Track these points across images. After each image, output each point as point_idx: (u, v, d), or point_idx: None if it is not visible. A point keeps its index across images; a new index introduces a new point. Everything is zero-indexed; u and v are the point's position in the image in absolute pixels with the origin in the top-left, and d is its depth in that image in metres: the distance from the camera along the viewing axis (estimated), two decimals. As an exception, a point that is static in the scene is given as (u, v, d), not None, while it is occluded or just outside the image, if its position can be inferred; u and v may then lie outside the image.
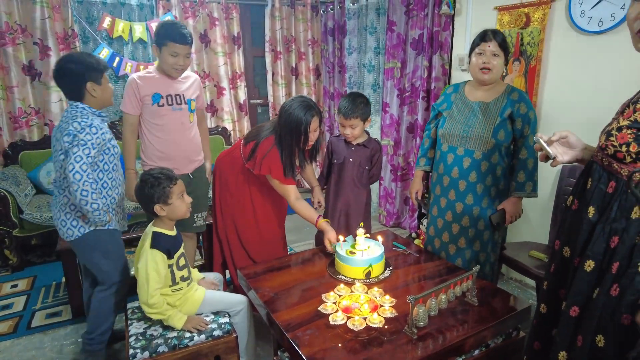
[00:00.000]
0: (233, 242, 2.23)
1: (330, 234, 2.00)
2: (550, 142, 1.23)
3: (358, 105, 2.21)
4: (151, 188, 1.65)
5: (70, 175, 1.67)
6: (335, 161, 2.40)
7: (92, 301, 1.96)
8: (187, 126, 2.31)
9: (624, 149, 1.00)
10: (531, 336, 1.30)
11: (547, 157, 1.23)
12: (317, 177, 2.51)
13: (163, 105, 2.21)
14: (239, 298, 1.88)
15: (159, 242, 1.67)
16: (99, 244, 1.87)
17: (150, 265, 1.62)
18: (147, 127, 2.23)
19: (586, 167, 1.14)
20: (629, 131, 0.99)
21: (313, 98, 4.64)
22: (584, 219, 1.09)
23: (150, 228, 1.72)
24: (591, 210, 1.08)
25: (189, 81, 2.32)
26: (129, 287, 2.03)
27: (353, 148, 2.34)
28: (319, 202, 2.41)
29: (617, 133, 1.02)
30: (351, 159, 2.34)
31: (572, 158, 1.21)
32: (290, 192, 2.07)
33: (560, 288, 1.17)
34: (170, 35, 2.09)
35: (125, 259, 2.02)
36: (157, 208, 1.67)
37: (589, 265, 1.06)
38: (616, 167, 1.02)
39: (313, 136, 2.03)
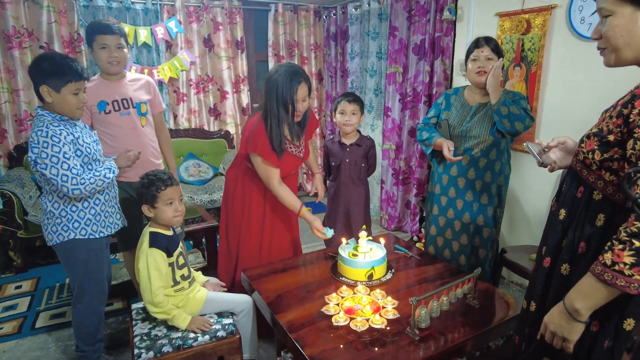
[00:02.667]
0: (242, 249, 2.17)
1: (315, 222, 1.96)
2: (549, 148, 1.26)
3: (357, 96, 2.39)
4: (142, 187, 1.71)
5: (49, 176, 1.67)
6: (332, 163, 2.47)
7: (72, 315, 1.94)
8: (139, 131, 2.21)
9: (590, 156, 1.01)
10: (515, 330, 1.34)
11: (542, 163, 1.26)
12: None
13: (110, 112, 2.12)
14: (242, 298, 1.90)
15: (156, 241, 1.70)
16: (75, 253, 1.83)
17: (150, 265, 1.65)
18: (99, 136, 2.10)
19: (568, 170, 1.16)
20: (595, 139, 1.01)
21: (315, 102, 4.68)
22: (556, 220, 1.12)
23: (147, 229, 1.75)
24: (562, 213, 1.11)
25: (137, 84, 2.23)
26: (107, 298, 2.00)
27: (348, 149, 2.42)
28: (316, 190, 2.34)
29: (586, 140, 1.04)
30: (347, 160, 2.43)
31: (570, 163, 1.23)
32: (274, 175, 1.95)
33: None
34: (94, 29, 2.04)
35: (105, 270, 1.96)
36: (144, 208, 1.72)
37: (565, 269, 1.08)
38: (585, 173, 1.04)
39: (301, 106, 1.92)
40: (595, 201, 1.02)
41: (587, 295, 0.96)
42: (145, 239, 1.70)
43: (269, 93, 1.88)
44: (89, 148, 1.80)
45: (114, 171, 1.84)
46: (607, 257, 0.91)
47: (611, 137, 0.97)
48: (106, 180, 1.79)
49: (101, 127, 2.15)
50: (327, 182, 2.61)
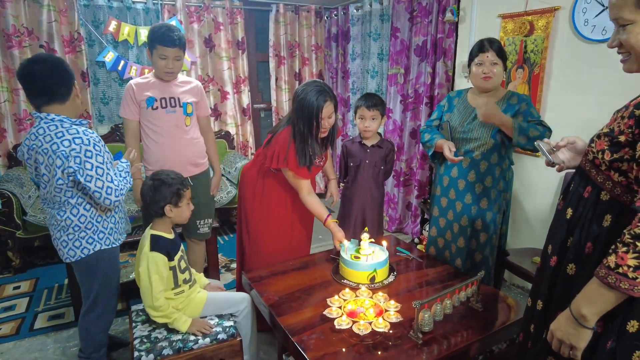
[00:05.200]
0: (256, 252, 2.19)
1: (339, 234, 1.99)
2: (558, 148, 1.25)
3: (378, 99, 2.33)
4: (167, 187, 1.68)
5: (94, 189, 1.62)
6: (351, 164, 2.46)
7: (81, 324, 1.88)
8: (183, 129, 2.27)
9: (600, 155, 1.01)
10: (520, 327, 1.32)
11: (553, 163, 1.25)
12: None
13: (157, 108, 2.20)
14: (241, 296, 1.90)
15: (158, 244, 1.68)
16: (99, 264, 1.80)
17: (151, 268, 1.63)
18: (145, 131, 2.24)
19: (576, 169, 1.16)
20: (606, 139, 1.01)
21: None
22: (562, 219, 1.12)
23: (148, 231, 1.72)
24: (569, 212, 1.10)
25: (187, 86, 2.30)
26: (117, 302, 1.99)
27: (368, 150, 2.40)
28: (331, 195, 2.43)
29: (596, 140, 1.04)
30: (367, 161, 2.41)
31: (579, 163, 1.23)
32: (304, 185, 2.04)
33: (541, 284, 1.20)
34: (158, 39, 2.09)
35: (119, 277, 1.96)
36: (167, 208, 1.69)
37: (571, 268, 1.07)
38: (594, 173, 1.04)
39: (327, 123, 1.96)
40: (602, 201, 1.02)
41: (593, 300, 0.95)
42: (146, 242, 1.68)
43: (296, 112, 1.95)
44: (109, 153, 1.78)
45: (128, 170, 1.82)
46: (611, 259, 0.91)
47: (622, 138, 0.96)
48: (129, 184, 1.77)
49: (147, 123, 2.23)
50: (341, 183, 2.59)
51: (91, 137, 1.63)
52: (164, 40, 2.09)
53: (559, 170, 1.26)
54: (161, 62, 2.13)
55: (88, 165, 1.58)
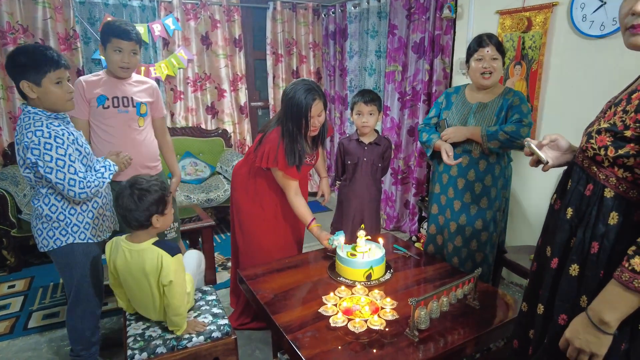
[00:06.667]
0: (250, 249, 2.18)
1: (323, 234, 2.00)
2: (540, 146, 1.21)
3: (375, 95, 2.32)
4: (151, 195, 1.57)
5: (55, 180, 1.59)
6: (348, 162, 2.43)
7: (68, 321, 1.86)
8: (135, 130, 2.18)
9: (602, 152, 0.97)
10: (512, 333, 1.28)
11: (537, 162, 1.22)
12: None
13: (108, 107, 2.10)
14: (195, 252, 2.11)
15: (171, 248, 1.61)
16: (74, 258, 1.76)
17: (182, 272, 1.65)
18: (95, 130, 2.13)
19: (568, 166, 1.12)
20: (607, 134, 0.96)
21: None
22: (562, 219, 1.08)
23: (147, 244, 1.61)
24: (569, 212, 1.06)
25: (142, 85, 2.22)
26: (102, 301, 1.95)
27: (366, 147, 2.39)
28: (322, 194, 2.42)
29: (596, 135, 0.99)
30: (365, 159, 2.39)
31: (563, 161, 1.19)
32: (291, 186, 2.04)
33: (539, 287, 1.14)
34: (113, 31, 2.01)
35: (101, 273, 1.89)
36: (154, 219, 1.60)
37: (574, 269, 1.03)
38: (595, 170, 1.00)
39: (316, 121, 1.95)
40: (607, 199, 0.97)
41: (615, 305, 0.90)
42: (161, 255, 1.57)
43: (285, 111, 1.93)
44: (87, 148, 1.76)
45: (110, 169, 1.80)
46: (636, 262, 0.86)
47: (628, 133, 0.92)
48: (106, 181, 1.74)
49: (97, 122, 2.13)
50: (338, 182, 2.57)
51: (54, 130, 1.60)
52: (120, 33, 2.01)
53: (545, 169, 1.22)
54: (116, 56, 2.04)
55: (47, 157, 1.58)
